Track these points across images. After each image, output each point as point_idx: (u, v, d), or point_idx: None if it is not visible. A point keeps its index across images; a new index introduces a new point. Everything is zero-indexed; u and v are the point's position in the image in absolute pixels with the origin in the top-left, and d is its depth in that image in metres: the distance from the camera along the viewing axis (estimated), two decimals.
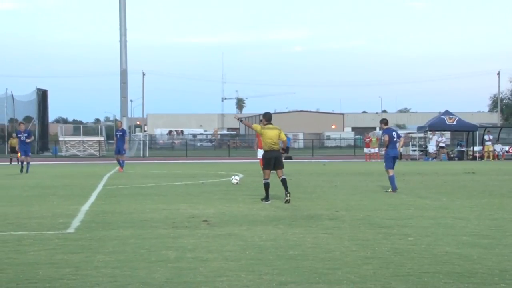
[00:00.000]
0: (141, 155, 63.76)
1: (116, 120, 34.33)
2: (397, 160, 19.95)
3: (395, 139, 19.39)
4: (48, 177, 28.18)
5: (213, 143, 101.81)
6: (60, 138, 68.54)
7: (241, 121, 18.13)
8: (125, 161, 33.03)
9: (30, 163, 31.43)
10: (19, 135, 32.00)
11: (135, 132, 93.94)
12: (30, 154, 31.58)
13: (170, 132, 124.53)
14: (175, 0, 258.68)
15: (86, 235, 10.63)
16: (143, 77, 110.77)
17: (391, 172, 19.17)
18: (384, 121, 19.96)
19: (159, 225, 11.84)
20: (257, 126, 16.42)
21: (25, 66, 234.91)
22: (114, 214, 13.46)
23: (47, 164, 44.95)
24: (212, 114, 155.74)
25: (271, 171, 16.09)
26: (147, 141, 73.52)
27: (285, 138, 16.39)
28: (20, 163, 31.72)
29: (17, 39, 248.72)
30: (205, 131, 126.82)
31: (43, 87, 76.62)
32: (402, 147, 18.21)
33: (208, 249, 9.31)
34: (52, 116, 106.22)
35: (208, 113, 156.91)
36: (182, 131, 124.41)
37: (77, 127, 79.91)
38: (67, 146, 66.41)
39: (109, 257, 8.65)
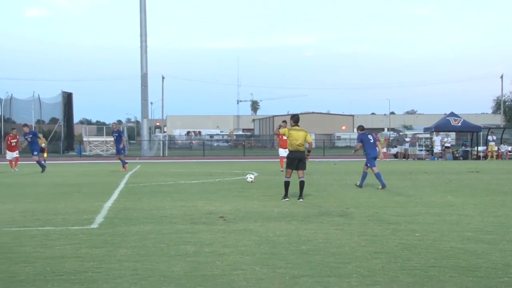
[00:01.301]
0: (161, 155, 63.85)
1: (113, 122, 34.14)
2: (377, 159, 20.71)
3: (371, 141, 20.36)
4: (73, 175, 28.29)
5: (229, 143, 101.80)
6: (84, 139, 68.79)
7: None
8: (145, 160, 33.08)
9: (43, 161, 31.52)
10: (26, 137, 32.37)
11: (155, 133, 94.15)
12: (36, 153, 31.55)
13: (188, 132, 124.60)
14: (193, 7, 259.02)
15: (109, 230, 10.66)
16: (163, 81, 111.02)
17: (376, 169, 19.73)
18: (360, 127, 21.02)
19: (178, 221, 11.86)
20: (284, 130, 16.33)
21: (51, 70, 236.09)
22: (135, 211, 13.48)
23: (72, 163, 45.12)
24: (228, 116, 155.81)
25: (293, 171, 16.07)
26: (167, 141, 73.61)
27: (311, 140, 16.23)
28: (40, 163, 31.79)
29: (43, 44, 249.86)
30: (221, 131, 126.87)
31: (68, 90, 77.04)
32: (383, 148, 19.05)
33: (224, 244, 9.31)
34: (76, 117, 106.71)
35: (224, 114, 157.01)
36: (199, 132, 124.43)
37: (100, 128, 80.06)
38: (90, 146, 66.65)
39: (131, 251, 8.68)
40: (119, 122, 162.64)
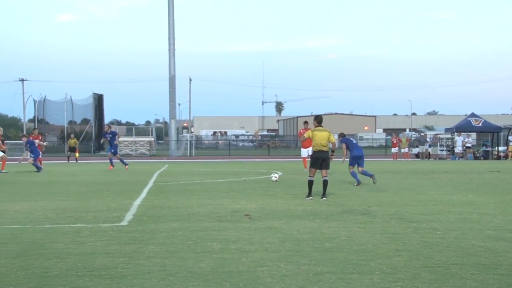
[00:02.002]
0: (188, 154, 64.08)
1: (105, 124, 33.98)
2: (364, 158, 21.62)
3: (354, 142, 21.66)
4: (103, 174, 28.47)
5: (254, 143, 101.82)
6: None
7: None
8: (173, 160, 33.14)
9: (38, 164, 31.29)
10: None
11: (182, 133, 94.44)
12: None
13: (214, 133, 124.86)
14: (220, 11, 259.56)
15: (138, 227, 10.70)
16: (190, 83, 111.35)
17: (352, 168, 20.82)
18: (341, 135, 22.39)
19: (204, 218, 11.87)
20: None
21: (82, 73, 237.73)
22: (163, 209, 13.52)
23: (103, 163, 45.40)
24: (253, 117, 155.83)
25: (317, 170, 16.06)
26: (194, 142, 73.81)
27: (334, 140, 16.16)
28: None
29: (75, 48, 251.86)
30: (246, 132, 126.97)
31: (99, 92, 77.52)
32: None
33: (249, 241, 9.30)
34: (107, 118, 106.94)
35: (249, 115, 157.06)
36: (225, 132, 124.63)
37: (130, 128, 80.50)
38: (120, 146, 66.96)
39: (159, 248, 8.70)
40: (148, 122, 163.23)
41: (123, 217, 12.04)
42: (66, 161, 45.39)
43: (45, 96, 73.36)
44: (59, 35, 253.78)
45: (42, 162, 33.11)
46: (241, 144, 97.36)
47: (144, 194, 17.25)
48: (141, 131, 79.54)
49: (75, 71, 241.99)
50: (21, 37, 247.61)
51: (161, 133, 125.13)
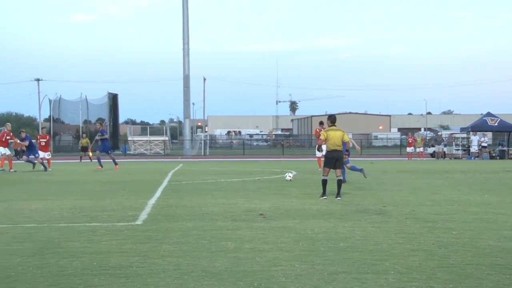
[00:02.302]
0: (202, 154, 64.19)
1: (97, 122, 33.45)
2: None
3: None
4: (118, 173, 28.57)
5: (268, 142, 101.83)
6: (129, 138, 69.43)
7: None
8: (187, 159, 33.09)
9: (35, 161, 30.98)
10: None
11: (196, 133, 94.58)
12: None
13: (228, 132, 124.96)
14: (234, 11, 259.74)
15: (152, 226, 10.73)
16: (204, 82, 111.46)
17: (349, 166, 20.64)
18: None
19: (219, 218, 11.89)
20: (323, 134, 16.27)
21: (97, 72, 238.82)
22: (178, 208, 13.55)
23: (117, 162, 45.56)
24: (268, 116, 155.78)
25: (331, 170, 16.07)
26: (208, 141, 73.93)
27: (348, 140, 16.17)
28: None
29: (90, 47, 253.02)
30: (261, 131, 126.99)
31: (114, 91, 77.80)
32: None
33: (264, 240, 9.31)
34: (122, 117, 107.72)
35: (263, 115, 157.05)
36: (239, 132, 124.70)
37: (144, 128, 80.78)
38: (135, 145, 67.26)
39: (173, 247, 8.72)
40: (162, 122, 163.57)
41: (138, 216, 12.08)
42: (79, 161, 45.56)
43: (60, 96, 73.77)
44: (75, 35, 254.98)
45: (51, 161, 32.78)
46: (255, 143, 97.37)
47: (158, 193, 17.30)
48: (156, 130, 79.75)
49: (90, 70, 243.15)
50: (37, 37, 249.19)
51: (176, 132, 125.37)
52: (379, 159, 50.54)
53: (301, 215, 12.31)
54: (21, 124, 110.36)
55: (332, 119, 16.28)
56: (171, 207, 13.65)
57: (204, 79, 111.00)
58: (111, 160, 31.93)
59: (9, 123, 32.87)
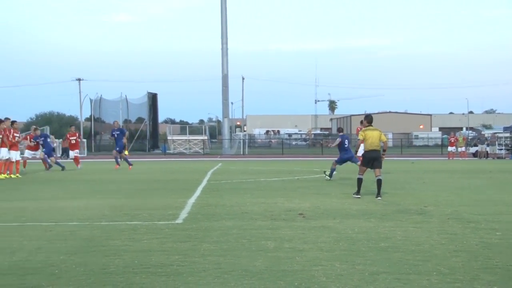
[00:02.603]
0: (241, 153, 64.32)
1: (114, 121, 33.01)
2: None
3: (346, 145, 22.68)
4: (158, 172, 28.80)
5: (307, 142, 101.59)
6: (169, 137, 69.95)
7: (359, 144, 18.08)
8: (226, 158, 33.08)
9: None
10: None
11: (235, 132, 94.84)
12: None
13: (267, 131, 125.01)
14: (273, 10, 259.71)
15: (193, 225, 10.79)
16: (243, 81, 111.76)
17: (335, 165, 22.40)
18: (340, 129, 24.11)
19: (258, 217, 11.90)
20: (360, 134, 16.19)
21: (137, 72, 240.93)
22: (217, 207, 13.61)
23: (157, 161, 45.97)
24: (306, 115, 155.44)
25: (369, 169, 16.00)
26: (247, 140, 74.05)
27: (385, 139, 16.13)
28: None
29: (131, 47, 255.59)
30: (299, 130, 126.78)
31: (153, 91, 78.46)
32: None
33: (304, 240, 9.29)
34: (161, 117, 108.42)
35: (302, 114, 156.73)
36: (278, 131, 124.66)
37: (184, 127, 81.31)
38: (174, 145, 67.73)
39: (213, 246, 8.76)
40: (201, 121, 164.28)
41: (178, 215, 12.15)
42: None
43: (101, 95, 74.76)
44: (116, 35, 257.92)
45: (79, 159, 32.58)
46: (294, 143, 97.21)
47: (198, 192, 17.39)
48: (195, 129, 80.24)
49: (130, 70, 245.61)
50: (79, 37, 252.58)
51: (214, 131, 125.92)
52: (420, 158, 50.05)
53: (341, 214, 12.26)
54: (63, 124, 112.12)
55: (368, 119, 16.22)
56: (210, 206, 13.71)
57: (243, 79, 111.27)
58: (125, 160, 31.63)
59: (34, 126, 32.86)
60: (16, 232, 10.02)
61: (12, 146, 24.52)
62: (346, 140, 22.92)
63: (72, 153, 32.17)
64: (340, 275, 7.00)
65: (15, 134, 25.03)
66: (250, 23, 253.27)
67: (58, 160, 30.69)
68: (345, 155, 22.50)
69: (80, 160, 32.73)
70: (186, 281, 6.73)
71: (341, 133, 23.31)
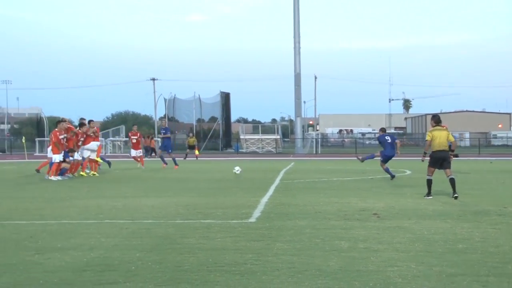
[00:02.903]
0: (314, 152, 64.14)
1: (161, 118, 32.02)
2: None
3: (389, 141, 22.71)
4: (231, 171, 29.00)
5: None
6: (241, 136, 70.41)
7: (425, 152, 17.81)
8: (299, 158, 32.98)
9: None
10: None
11: (308, 131, 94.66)
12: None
13: (340, 131, 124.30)
14: (346, 8, 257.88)
15: (266, 224, 10.83)
16: (315, 80, 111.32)
17: (384, 165, 22.43)
18: (382, 129, 24.22)
19: (331, 216, 11.84)
20: (428, 135, 15.90)
21: (210, 72, 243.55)
22: (290, 206, 13.61)
23: (230, 160, 46.32)
24: (380, 114, 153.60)
25: (439, 170, 15.76)
26: (319, 139, 73.78)
27: (453, 139, 15.90)
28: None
29: (204, 47, 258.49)
30: (373, 130, 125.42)
31: (226, 90, 79.14)
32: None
33: (378, 240, 9.19)
34: (234, 116, 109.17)
35: (376, 113, 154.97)
36: (351, 130, 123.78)
37: (256, 126, 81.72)
38: (247, 144, 68.13)
39: (287, 245, 8.76)
40: (274, 120, 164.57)
41: (251, 214, 12.22)
42: (183, 158, 46.69)
43: (174, 95, 75.90)
44: (189, 35, 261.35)
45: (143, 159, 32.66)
46: (367, 142, 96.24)
47: (271, 191, 17.43)
48: (267, 129, 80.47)
49: (203, 70, 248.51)
50: (153, 38, 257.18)
51: (287, 131, 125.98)
52: (499, 158, 48.76)
53: (417, 215, 12.07)
54: (138, 123, 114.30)
55: (436, 119, 15.95)
56: (283, 205, 13.72)
57: (315, 78, 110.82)
58: (171, 159, 31.65)
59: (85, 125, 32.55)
60: (94, 229, 10.28)
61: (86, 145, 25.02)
62: (388, 137, 23.10)
63: (134, 152, 32.33)
64: (416, 276, 6.89)
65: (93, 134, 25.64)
66: (322, 21, 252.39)
67: (107, 159, 30.98)
68: (387, 152, 22.56)
69: (143, 159, 32.95)
70: (260, 280, 6.76)
71: (383, 133, 23.50)
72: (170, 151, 31.63)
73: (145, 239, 9.33)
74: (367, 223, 10.98)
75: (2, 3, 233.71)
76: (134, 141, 32.33)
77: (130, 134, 33.33)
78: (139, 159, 31.82)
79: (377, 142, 26.10)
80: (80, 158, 24.67)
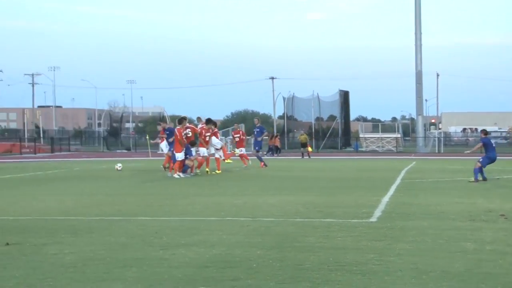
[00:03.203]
0: (436, 151, 62.58)
1: (255, 118, 30.97)
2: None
3: (494, 145, 22.10)
4: (350, 170, 28.82)
5: (508, 140, 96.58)
6: (361, 135, 69.89)
7: None
8: (420, 157, 32.28)
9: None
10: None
11: (429, 130, 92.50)
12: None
13: (464, 129, 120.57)
14: (472, 2, 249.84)
15: (387, 224, 10.67)
16: (437, 78, 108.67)
17: (479, 165, 20.80)
18: (484, 132, 23.39)
19: (456, 217, 11.51)
20: None
21: (329, 70, 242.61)
22: (412, 206, 13.34)
23: (349, 159, 46.04)
24: (508, 113, 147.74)
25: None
26: (442, 138, 71.90)
27: None
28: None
29: (323, 45, 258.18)
30: (499, 128, 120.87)
31: (345, 89, 78.64)
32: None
33: (507, 242, 8.84)
34: (353, 115, 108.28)
35: (503, 111, 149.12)
36: (476, 129, 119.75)
37: (376, 125, 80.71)
38: (366, 142, 67.53)
39: (409, 246, 8.60)
40: (394, 119, 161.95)
41: (372, 214, 12.08)
42: (301, 157, 46.73)
43: (293, 94, 76.24)
44: (309, 33, 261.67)
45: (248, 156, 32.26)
46: (493, 141, 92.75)
47: (392, 191, 17.17)
48: (387, 127, 79.34)
49: (322, 68, 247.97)
50: (273, 36, 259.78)
51: (407, 129, 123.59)
52: None
53: None
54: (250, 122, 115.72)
55: None
56: (405, 205, 13.47)
57: (437, 75, 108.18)
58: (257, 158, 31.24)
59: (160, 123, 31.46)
60: (215, 227, 10.49)
61: (201, 144, 25.25)
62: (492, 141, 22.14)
63: (237, 151, 32.37)
64: None
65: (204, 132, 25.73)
66: (446, 15, 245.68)
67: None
68: (492, 155, 21.44)
69: (248, 157, 32.87)
70: (383, 280, 6.66)
71: (485, 136, 22.76)
72: (257, 149, 31.34)
73: (265, 237, 9.42)
74: (494, 224, 10.60)
75: (129, 5, 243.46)
76: (237, 139, 32.39)
77: (233, 133, 33.31)
78: (243, 157, 31.94)
79: (503, 141, 25.10)
80: (206, 155, 25.15)
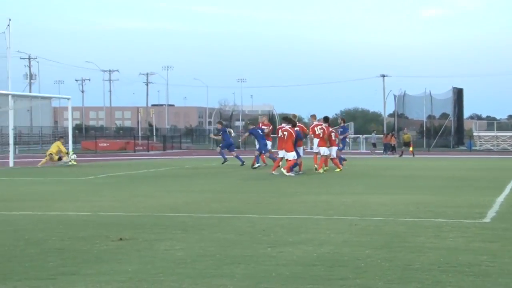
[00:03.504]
0: None
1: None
2: None
3: None
4: (463, 169, 28.08)
5: None
6: (475, 134, 68.17)
7: None
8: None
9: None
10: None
11: None
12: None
13: None
14: None
15: (501, 225, 10.33)
16: None
17: None
18: None
19: None
20: None
21: (443, 67, 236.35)
22: None
23: (462, 157, 44.84)
24: None
25: None
26: None
27: None
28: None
29: (437, 42, 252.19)
30: None
31: (459, 86, 76.70)
32: None
33: None
34: (466, 112, 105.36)
35: None
36: None
37: (491, 123, 78.18)
38: (481, 141, 65.68)
39: None
40: (510, 117, 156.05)
41: (485, 214, 11.72)
42: (399, 155, 45.93)
43: (404, 91, 75.05)
44: (422, 30, 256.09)
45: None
46: None
47: (507, 191, 16.60)
48: (503, 125, 76.67)
49: (435, 65, 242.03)
50: (385, 34, 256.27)
51: None
52: None
53: None
54: (366, 120, 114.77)
55: None
56: None
57: None
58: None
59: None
60: (323, 225, 10.48)
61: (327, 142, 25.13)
62: None
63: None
64: None
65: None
66: None
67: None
68: None
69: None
70: (496, 282, 6.46)
71: None
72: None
73: (374, 236, 9.33)
74: None
75: (242, 5, 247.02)
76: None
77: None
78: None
79: None
80: (328, 153, 25.06)
